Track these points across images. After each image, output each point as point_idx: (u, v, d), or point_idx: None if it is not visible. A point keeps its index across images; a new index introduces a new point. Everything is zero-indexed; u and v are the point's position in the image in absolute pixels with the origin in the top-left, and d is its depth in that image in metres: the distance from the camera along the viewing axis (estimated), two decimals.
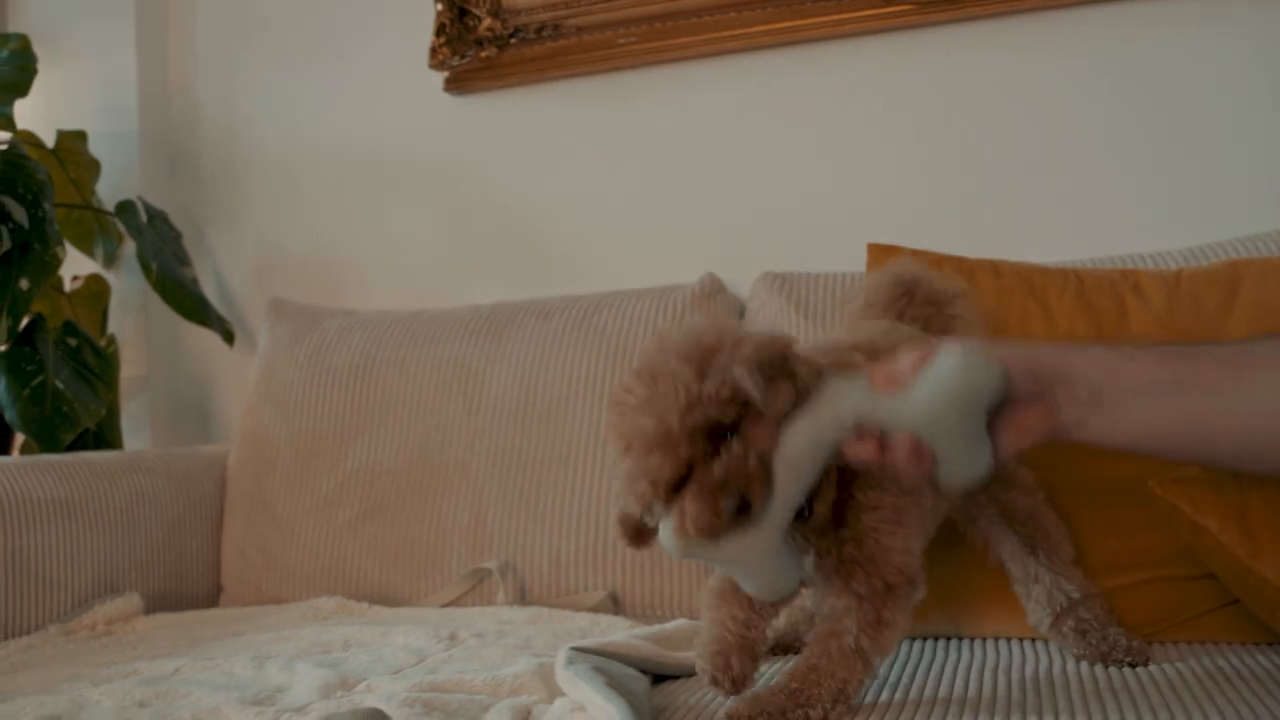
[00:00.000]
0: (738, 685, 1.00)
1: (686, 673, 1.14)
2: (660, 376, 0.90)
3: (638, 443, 0.91)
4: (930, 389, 0.88)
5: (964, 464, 0.90)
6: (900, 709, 0.98)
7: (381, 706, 0.99)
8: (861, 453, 0.90)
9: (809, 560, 0.98)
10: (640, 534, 0.98)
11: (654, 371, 0.91)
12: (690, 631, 1.27)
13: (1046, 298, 1.35)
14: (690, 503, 0.90)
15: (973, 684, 1.05)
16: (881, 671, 1.12)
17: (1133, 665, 1.10)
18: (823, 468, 0.92)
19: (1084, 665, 1.11)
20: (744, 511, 0.89)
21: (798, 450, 0.89)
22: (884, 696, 1.02)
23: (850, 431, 0.89)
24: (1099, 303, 1.33)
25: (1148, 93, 1.76)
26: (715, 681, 1.00)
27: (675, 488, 0.91)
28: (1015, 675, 1.08)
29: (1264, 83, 1.71)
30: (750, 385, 0.89)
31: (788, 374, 0.92)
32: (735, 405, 0.90)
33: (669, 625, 1.30)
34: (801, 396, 0.91)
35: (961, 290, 1.18)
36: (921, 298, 1.20)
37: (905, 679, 1.09)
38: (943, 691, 1.03)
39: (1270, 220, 1.57)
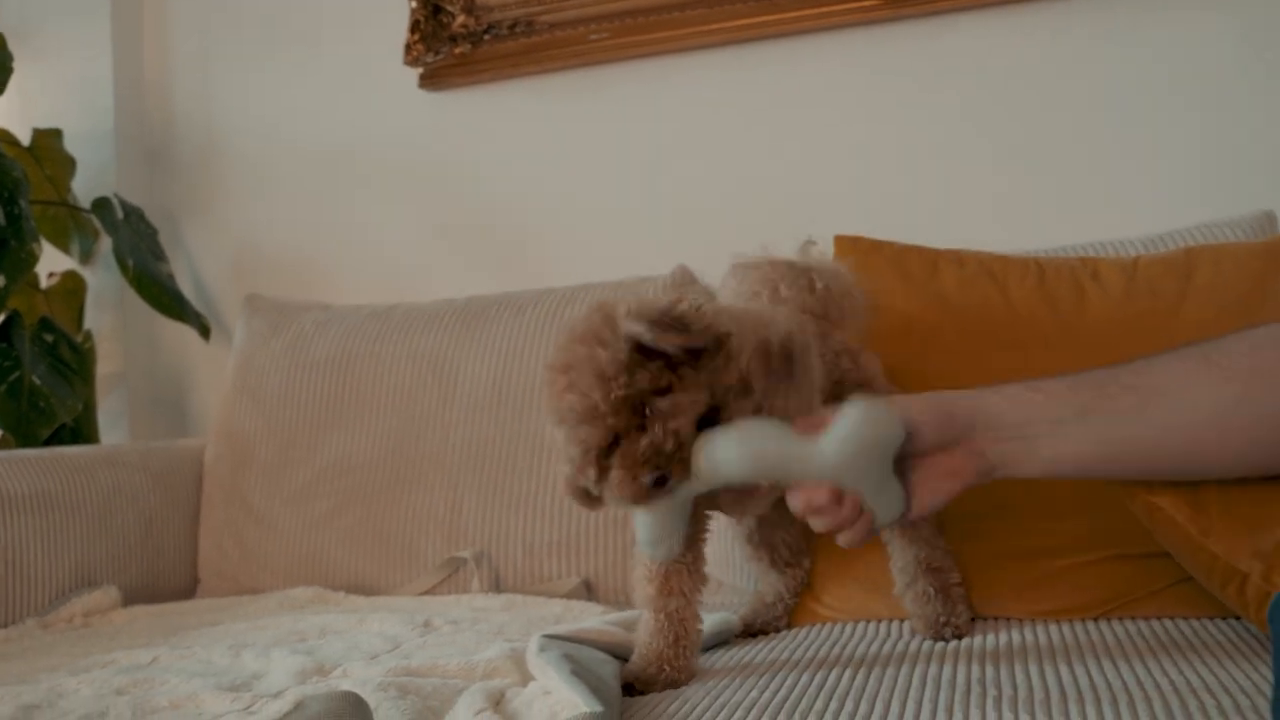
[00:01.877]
0: (675, 684, 1.06)
1: None
2: (574, 359, 0.94)
3: (569, 417, 0.95)
4: (837, 436, 0.94)
5: (879, 507, 0.97)
6: (878, 689, 1.00)
7: (356, 690, 1.00)
8: (804, 504, 0.97)
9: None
10: (587, 497, 1.02)
11: (569, 357, 0.95)
12: None
13: (1007, 285, 1.37)
14: (615, 471, 0.94)
15: (933, 665, 1.07)
16: (851, 651, 1.14)
17: (958, 638, 1.17)
18: (747, 481, 0.97)
19: (1045, 636, 1.14)
20: (660, 485, 0.94)
21: (723, 455, 0.94)
22: (857, 679, 1.04)
23: (769, 470, 0.96)
24: (1058, 290, 1.35)
25: (1108, 88, 1.79)
26: (651, 681, 1.05)
27: (606, 454, 0.95)
28: (975, 650, 1.11)
29: (1212, 82, 1.74)
30: (641, 330, 0.92)
31: (680, 326, 0.94)
32: (652, 371, 0.93)
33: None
34: (698, 343, 0.95)
35: (850, 287, 1.21)
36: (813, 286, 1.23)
37: (873, 663, 1.11)
38: (905, 671, 1.05)
39: (1221, 209, 1.60)
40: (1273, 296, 1.33)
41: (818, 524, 0.98)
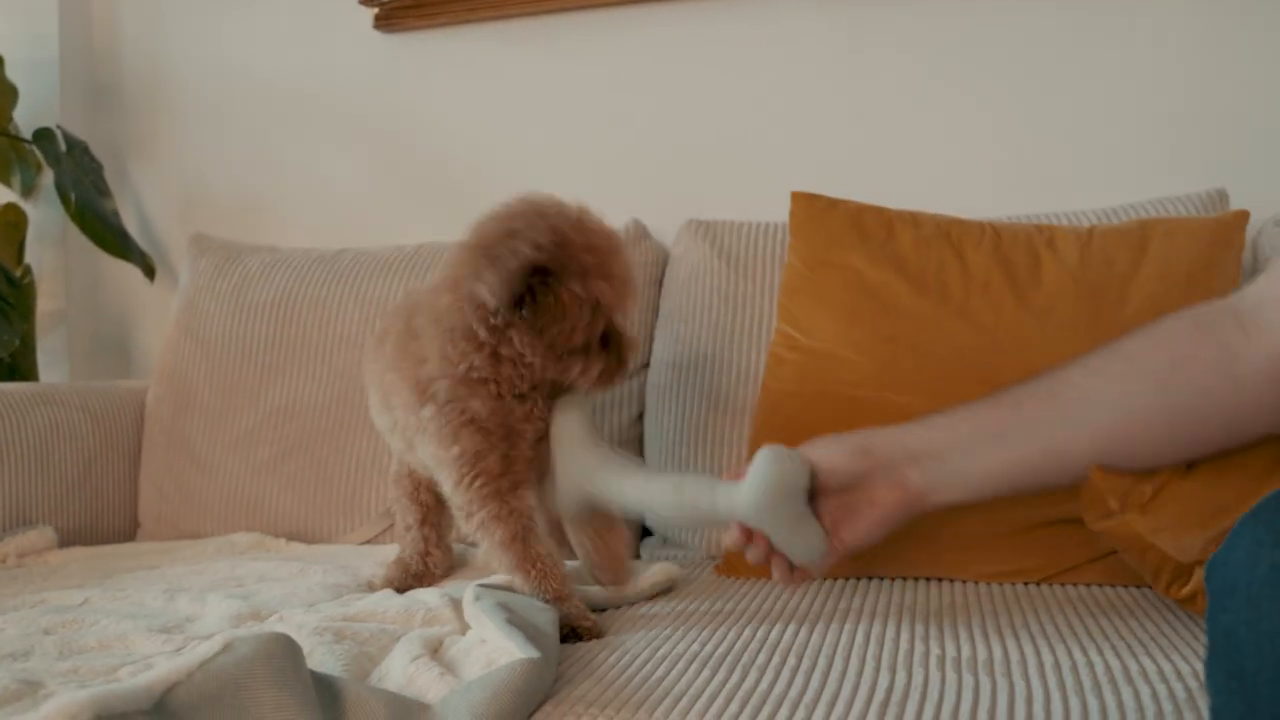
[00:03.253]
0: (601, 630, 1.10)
1: (592, 604, 1.16)
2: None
3: None
4: (749, 482, 1.00)
5: (798, 545, 1.03)
6: (806, 647, 1.00)
7: (292, 635, 0.99)
8: (728, 542, 1.07)
9: None
10: None
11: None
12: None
13: (963, 249, 1.37)
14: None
15: (877, 623, 1.07)
16: (794, 606, 1.14)
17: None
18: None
19: (988, 598, 1.14)
20: None
21: (659, 500, 1.07)
22: (800, 634, 1.04)
23: (698, 514, 1.06)
24: (1014, 255, 1.35)
25: (1068, 63, 1.78)
26: (585, 632, 1.07)
27: None
28: (919, 610, 1.11)
29: (1170, 62, 1.74)
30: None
31: None
32: None
33: (576, 562, 1.32)
34: None
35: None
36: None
37: (816, 619, 1.11)
38: (848, 629, 1.05)
39: (1177, 185, 1.61)
40: (1221, 269, 1.34)
41: (749, 558, 1.06)
